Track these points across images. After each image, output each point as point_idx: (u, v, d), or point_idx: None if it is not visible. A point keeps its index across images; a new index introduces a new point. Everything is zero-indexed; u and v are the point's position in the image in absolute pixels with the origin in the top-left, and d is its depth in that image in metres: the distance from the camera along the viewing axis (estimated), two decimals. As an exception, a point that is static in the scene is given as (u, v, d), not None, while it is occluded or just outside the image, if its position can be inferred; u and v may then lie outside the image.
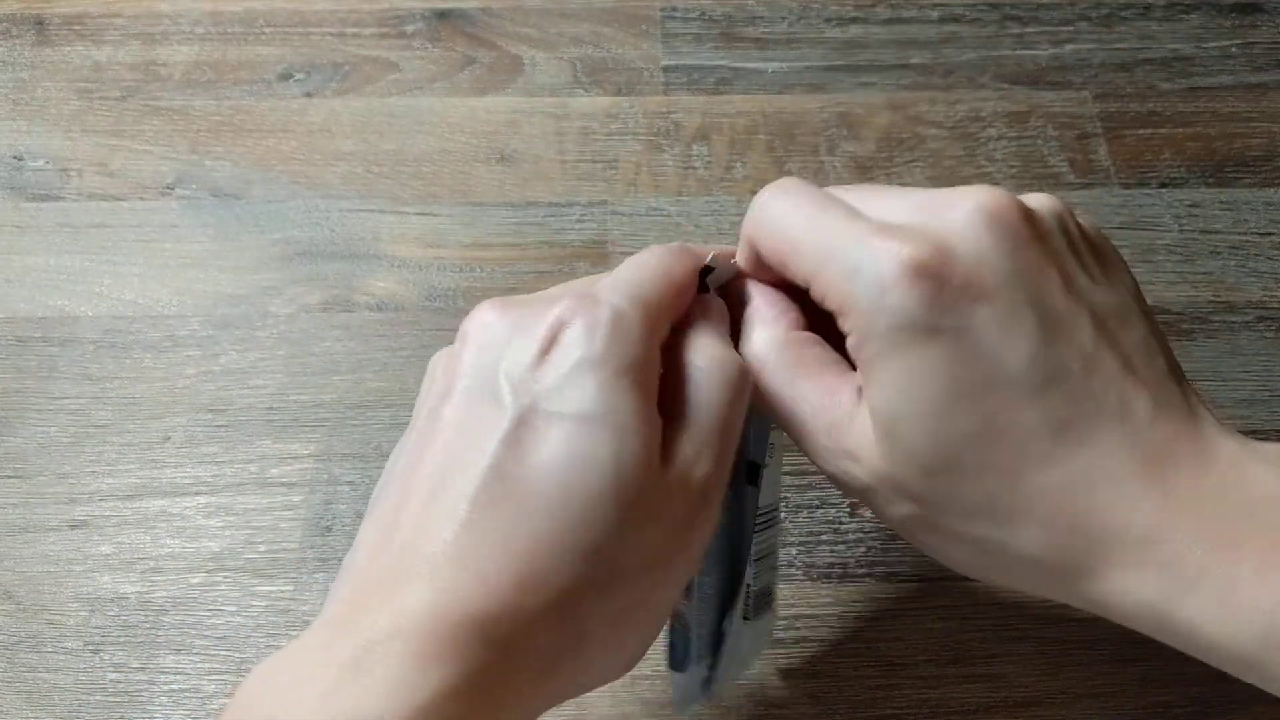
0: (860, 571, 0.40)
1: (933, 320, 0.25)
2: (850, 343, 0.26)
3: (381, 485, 0.27)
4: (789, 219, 0.28)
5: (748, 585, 0.32)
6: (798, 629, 0.39)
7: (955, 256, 0.25)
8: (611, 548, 0.24)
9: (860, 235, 0.26)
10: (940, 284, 0.25)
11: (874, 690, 0.38)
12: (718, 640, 0.32)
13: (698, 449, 0.26)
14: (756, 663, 0.37)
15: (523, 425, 0.25)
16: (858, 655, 0.38)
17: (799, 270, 0.27)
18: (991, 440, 0.25)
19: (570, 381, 0.25)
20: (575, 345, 0.26)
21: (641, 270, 0.28)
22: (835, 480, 0.29)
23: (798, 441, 0.29)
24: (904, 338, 0.25)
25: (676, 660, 0.33)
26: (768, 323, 0.29)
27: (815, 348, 0.29)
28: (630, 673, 0.38)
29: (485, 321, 0.27)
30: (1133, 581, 0.25)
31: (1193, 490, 0.25)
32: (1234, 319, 0.46)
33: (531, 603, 0.24)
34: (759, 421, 0.30)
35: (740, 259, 0.30)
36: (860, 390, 0.27)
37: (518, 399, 0.25)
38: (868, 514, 0.41)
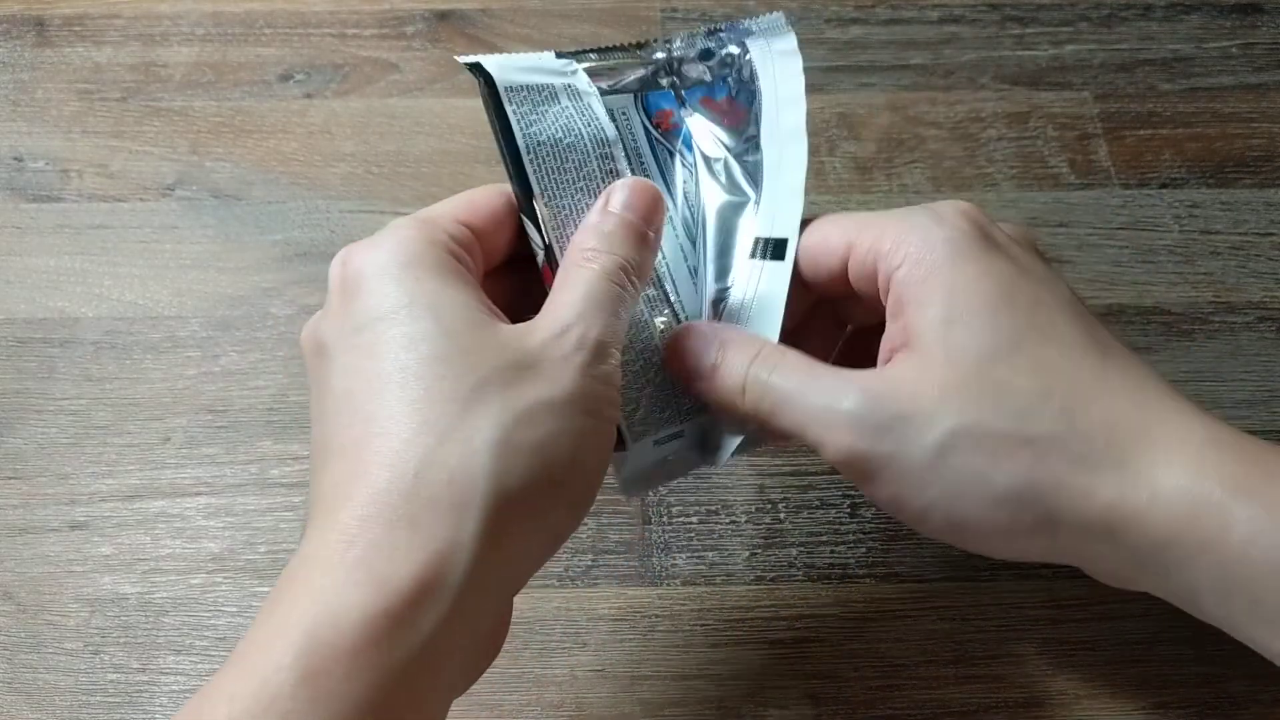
0: (860, 572, 0.40)
1: (985, 237, 0.30)
2: (900, 274, 0.30)
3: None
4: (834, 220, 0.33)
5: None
6: (797, 629, 0.39)
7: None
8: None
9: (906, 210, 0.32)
10: (986, 221, 0.31)
11: (874, 691, 0.38)
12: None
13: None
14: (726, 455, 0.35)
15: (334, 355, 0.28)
16: (858, 656, 0.38)
17: (845, 239, 0.32)
18: (1044, 340, 0.29)
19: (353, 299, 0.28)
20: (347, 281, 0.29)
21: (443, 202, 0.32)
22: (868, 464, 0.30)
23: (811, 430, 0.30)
24: (962, 249, 0.30)
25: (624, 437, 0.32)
26: (747, 351, 0.32)
27: (795, 352, 0.32)
28: (630, 673, 0.38)
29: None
30: (1175, 472, 0.28)
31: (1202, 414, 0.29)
32: (1234, 319, 0.46)
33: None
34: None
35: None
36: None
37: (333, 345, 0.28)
38: (868, 514, 0.41)
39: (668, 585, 0.40)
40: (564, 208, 0.32)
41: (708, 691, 0.38)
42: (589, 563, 0.40)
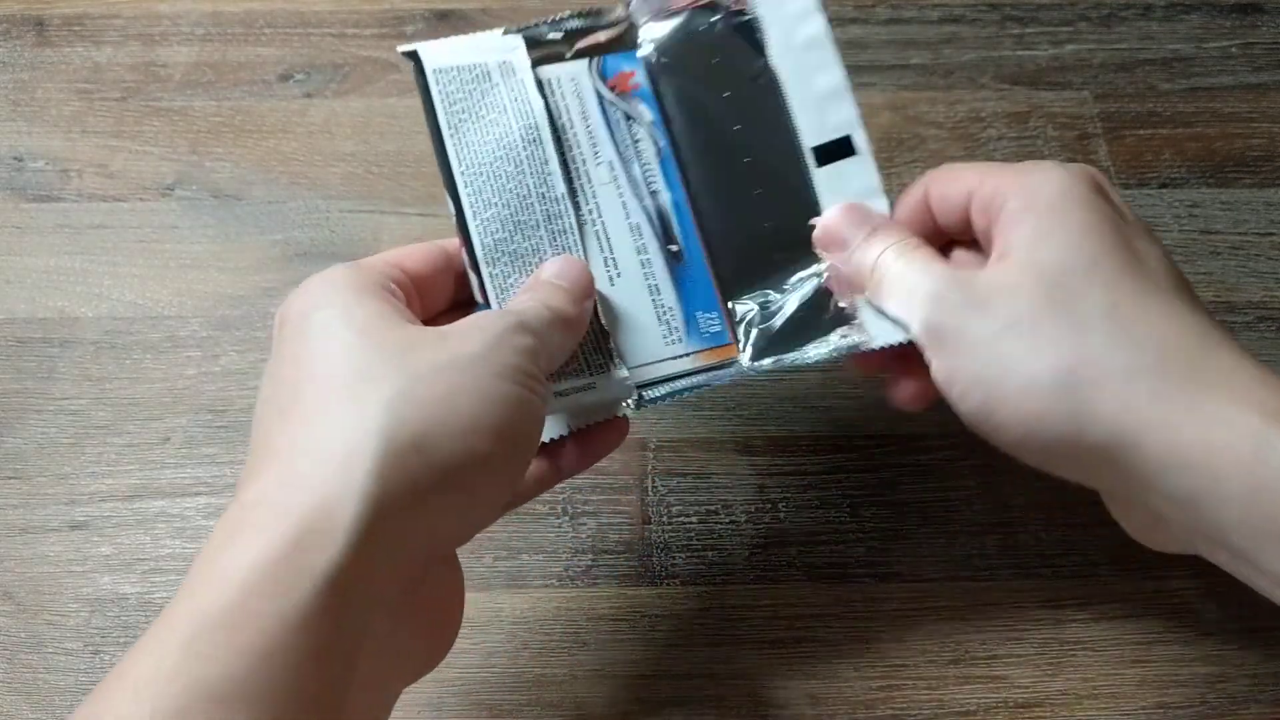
0: (860, 571, 0.40)
1: (1099, 189, 0.33)
2: (1011, 205, 0.33)
3: None
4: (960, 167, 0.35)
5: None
6: (797, 629, 0.39)
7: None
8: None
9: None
10: (1106, 182, 0.34)
11: (874, 691, 0.38)
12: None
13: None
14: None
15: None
16: (858, 656, 0.38)
17: (970, 184, 0.34)
18: (1122, 269, 0.31)
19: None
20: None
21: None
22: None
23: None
24: (1071, 190, 0.32)
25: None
26: (890, 236, 0.35)
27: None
28: (630, 673, 0.38)
29: None
30: (1217, 397, 0.29)
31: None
32: (1234, 319, 0.46)
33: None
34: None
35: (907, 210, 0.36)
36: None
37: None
38: (868, 514, 0.41)
39: (668, 585, 0.40)
40: (491, 218, 0.34)
41: (707, 691, 0.38)
42: (589, 563, 0.40)
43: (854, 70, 0.53)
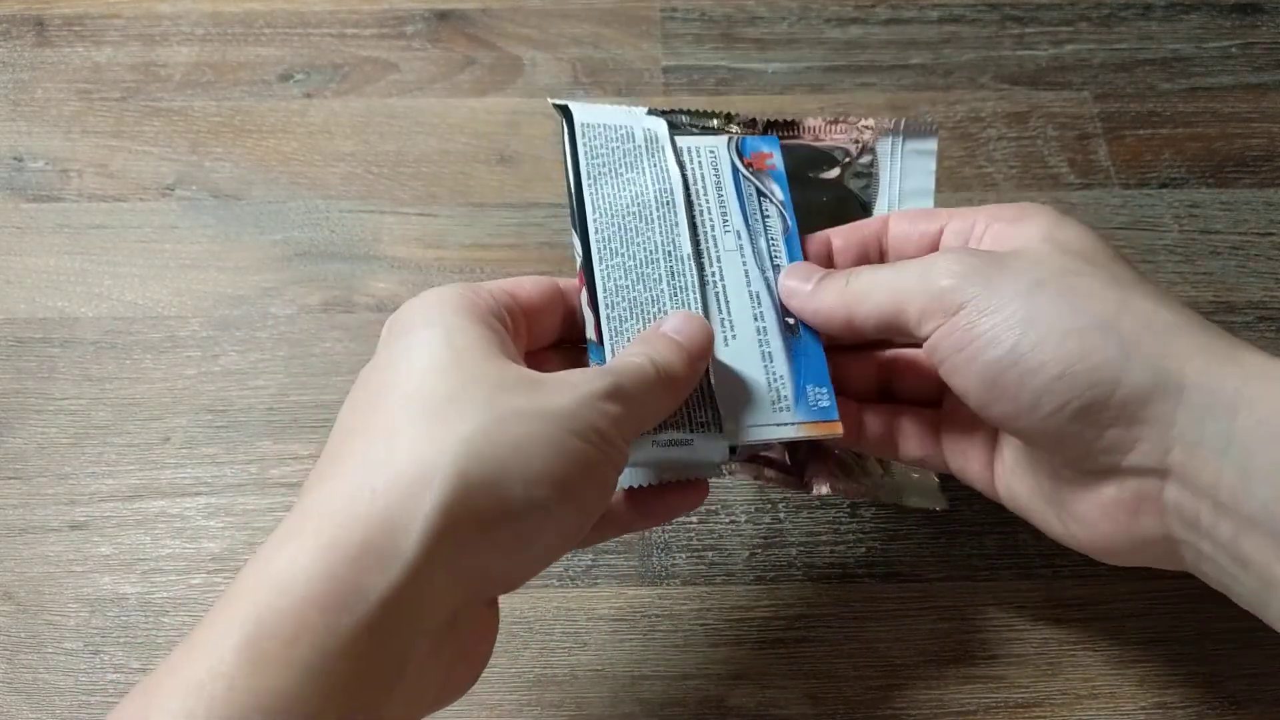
0: (860, 571, 0.40)
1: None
2: (1008, 214, 0.34)
3: None
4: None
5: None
6: (797, 629, 0.39)
7: None
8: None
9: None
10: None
11: (874, 691, 0.38)
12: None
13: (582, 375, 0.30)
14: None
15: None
16: (858, 655, 0.38)
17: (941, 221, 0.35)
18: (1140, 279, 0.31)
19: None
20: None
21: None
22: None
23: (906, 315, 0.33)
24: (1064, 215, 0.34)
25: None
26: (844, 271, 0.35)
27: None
28: (630, 673, 0.38)
29: None
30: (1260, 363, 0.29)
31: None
32: (1234, 319, 0.46)
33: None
34: None
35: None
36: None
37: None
38: (868, 514, 0.41)
39: (668, 585, 0.40)
40: (616, 265, 0.35)
41: (708, 691, 0.38)
42: (589, 562, 0.40)
43: (854, 70, 0.53)
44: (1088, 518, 0.32)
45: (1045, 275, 0.31)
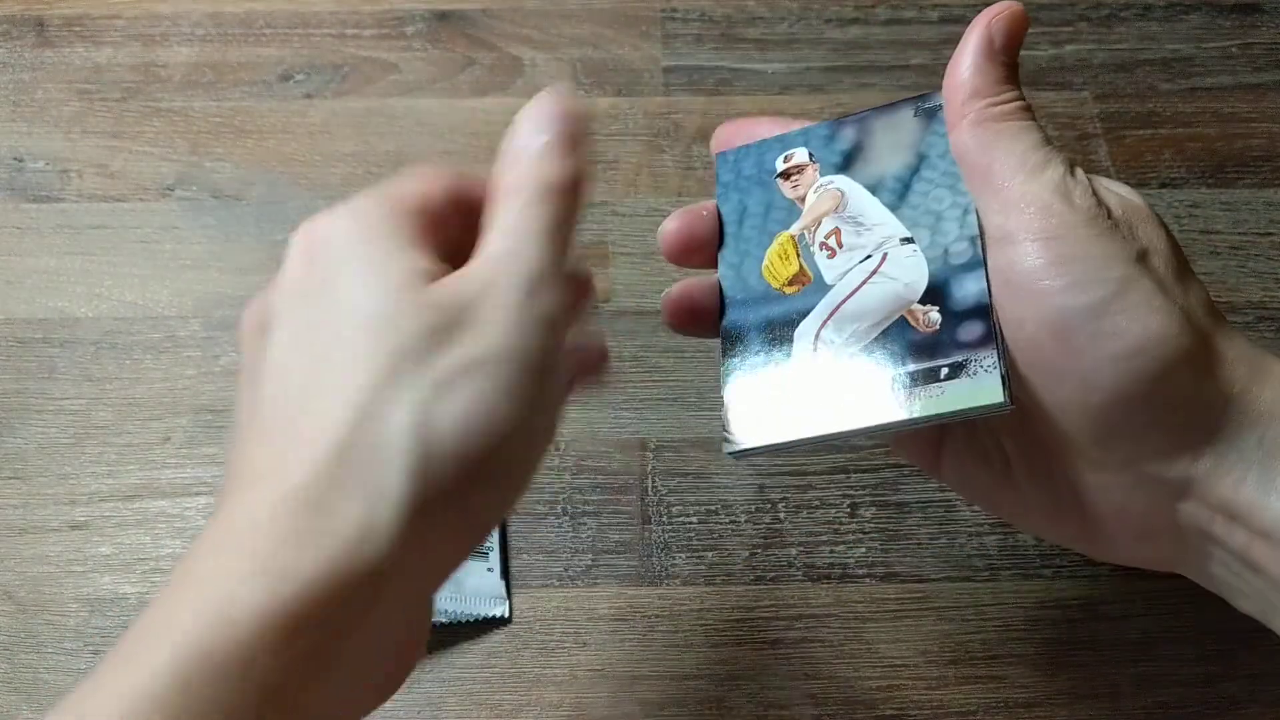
0: (860, 571, 0.40)
1: None
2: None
3: None
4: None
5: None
6: (797, 629, 0.39)
7: None
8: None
9: None
10: None
11: (874, 691, 0.38)
12: None
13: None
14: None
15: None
16: (858, 656, 0.38)
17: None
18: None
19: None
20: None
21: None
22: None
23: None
24: None
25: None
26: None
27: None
28: (630, 673, 0.38)
29: None
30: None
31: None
32: (1234, 319, 0.46)
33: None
34: None
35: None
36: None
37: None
38: (868, 514, 0.41)
39: (668, 585, 0.40)
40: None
41: (708, 691, 0.38)
42: (589, 562, 0.40)
43: (854, 70, 0.53)
44: (1091, 509, 0.30)
45: (1138, 263, 0.28)
